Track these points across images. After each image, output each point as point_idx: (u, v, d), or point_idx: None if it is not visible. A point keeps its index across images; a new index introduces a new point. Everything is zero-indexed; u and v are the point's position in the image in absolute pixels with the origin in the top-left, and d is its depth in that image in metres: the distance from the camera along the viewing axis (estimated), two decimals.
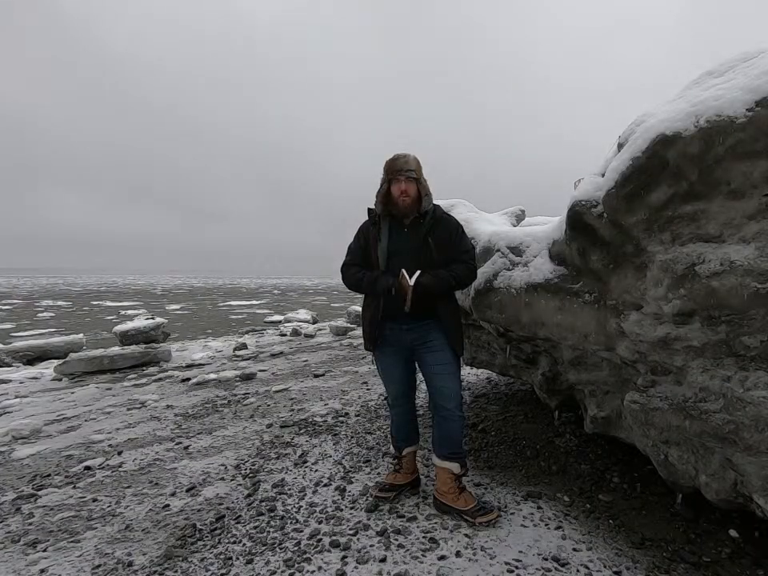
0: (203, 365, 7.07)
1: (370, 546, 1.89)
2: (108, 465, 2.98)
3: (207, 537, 2.04)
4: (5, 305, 24.83)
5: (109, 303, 27.25)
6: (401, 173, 2.05)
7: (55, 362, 7.24)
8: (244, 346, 8.51)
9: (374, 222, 2.17)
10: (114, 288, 51.27)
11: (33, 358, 8.33)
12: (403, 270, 1.97)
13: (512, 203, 3.69)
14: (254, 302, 28.89)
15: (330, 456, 2.87)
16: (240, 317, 19.71)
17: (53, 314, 20.24)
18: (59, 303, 26.55)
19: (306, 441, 3.17)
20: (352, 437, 3.19)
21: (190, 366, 7.00)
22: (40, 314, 20.02)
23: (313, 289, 55.26)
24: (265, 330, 12.81)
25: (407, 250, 2.08)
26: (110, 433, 3.73)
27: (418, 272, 1.97)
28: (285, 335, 10.58)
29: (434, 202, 2.19)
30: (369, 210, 2.20)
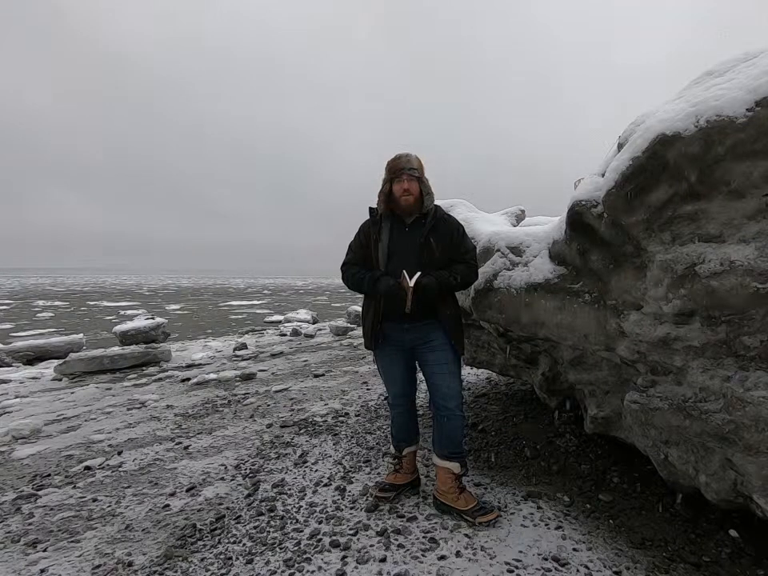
0: (203, 365, 7.07)
1: (370, 545, 1.89)
2: (108, 465, 2.97)
3: (207, 537, 2.04)
4: (2, 305, 24.82)
5: (106, 303, 27.21)
6: (403, 171, 2.05)
7: (55, 362, 7.24)
8: (244, 346, 8.51)
9: (375, 220, 2.17)
10: (99, 288, 50.80)
11: (33, 358, 8.33)
12: (404, 272, 1.98)
13: (512, 203, 3.68)
14: (255, 302, 28.88)
15: (330, 456, 2.87)
16: (240, 317, 19.71)
17: (52, 314, 20.23)
18: (56, 303, 26.49)
19: (306, 441, 3.17)
20: (352, 437, 3.19)
21: (190, 366, 7.00)
22: (39, 314, 20.02)
23: (303, 289, 54.29)
24: (265, 329, 12.82)
25: (409, 250, 2.08)
26: (110, 433, 3.72)
27: (419, 273, 1.97)
28: (285, 335, 10.58)
29: (435, 202, 2.19)
30: (370, 208, 2.20)
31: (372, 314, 2.15)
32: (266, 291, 47.65)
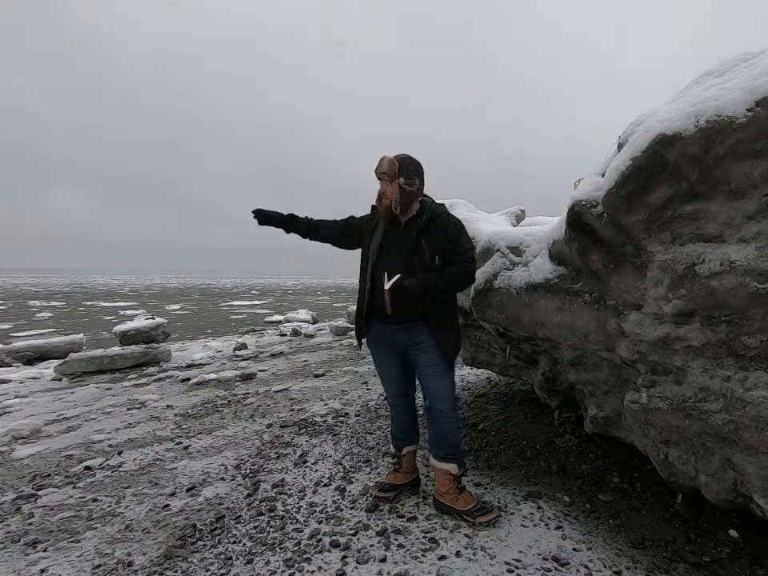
0: (203, 365, 7.07)
1: (370, 546, 1.89)
2: (108, 465, 2.97)
3: (207, 537, 2.04)
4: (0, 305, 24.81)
5: (105, 303, 27.16)
6: (379, 175, 2.06)
7: (55, 362, 7.24)
8: (244, 346, 8.51)
9: (373, 216, 2.21)
10: (82, 288, 50.23)
11: (33, 358, 8.32)
12: (385, 273, 1.95)
13: (512, 203, 3.69)
14: (255, 302, 28.87)
15: (330, 456, 2.87)
16: (240, 317, 19.71)
17: (51, 314, 20.22)
18: (53, 303, 26.41)
19: (306, 441, 3.17)
20: (352, 437, 3.19)
21: (190, 366, 7.00)
22: (38, 314, 20.00)
23: (293, 289, 53.43)
24: (265, 329, 12.81)
25: (400, 250, 2.06)
26: (109, 433, 3.72)
27: (398, 276, 1.92)
28: (285, 335, 10.58)
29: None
30: (372, 206, 2.22)
31: (357, 311, 2.21)
32: (253, 291, 46.84)
